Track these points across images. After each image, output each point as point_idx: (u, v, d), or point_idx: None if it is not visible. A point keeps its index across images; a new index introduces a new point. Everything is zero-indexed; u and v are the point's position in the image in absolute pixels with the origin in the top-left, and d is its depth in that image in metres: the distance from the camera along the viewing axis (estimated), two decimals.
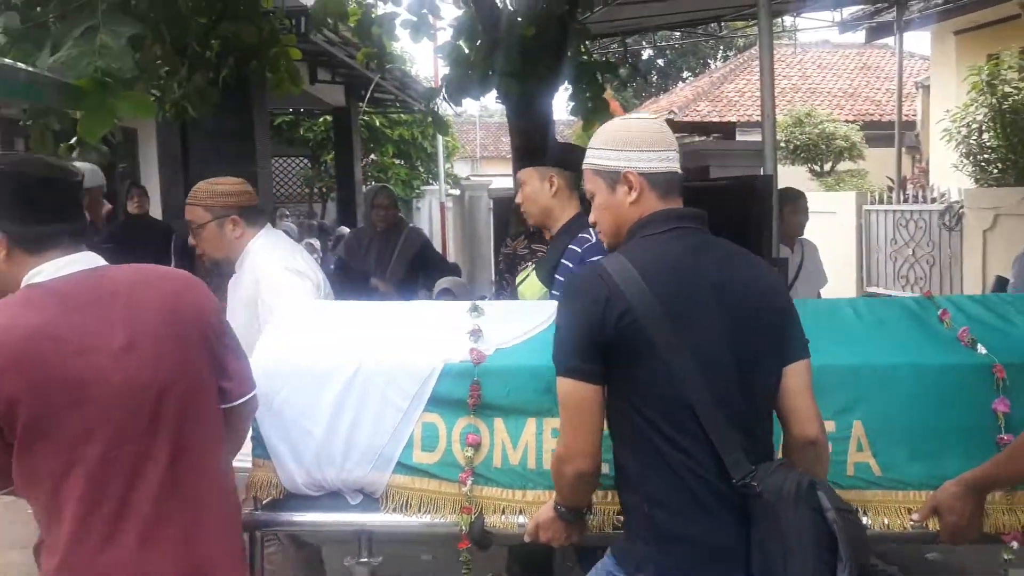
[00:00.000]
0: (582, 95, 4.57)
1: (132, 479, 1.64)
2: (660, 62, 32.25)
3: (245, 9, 4.83)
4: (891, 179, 11.36)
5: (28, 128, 4.25)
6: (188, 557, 1.69)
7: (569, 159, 2.76)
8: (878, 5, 10.54)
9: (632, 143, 1.77)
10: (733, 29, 13.24)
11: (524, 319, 2.24)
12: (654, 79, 31.94)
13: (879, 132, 15.30)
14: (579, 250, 2.67)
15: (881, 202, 9.91)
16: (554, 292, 2.69)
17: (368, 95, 8.77)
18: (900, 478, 2.07)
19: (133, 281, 1.73)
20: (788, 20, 12.62)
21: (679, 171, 1.79)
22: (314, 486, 2.18)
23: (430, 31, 5.18)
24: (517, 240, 3.28)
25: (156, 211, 7.73)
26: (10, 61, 3.15)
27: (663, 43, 18.76)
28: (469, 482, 2.08)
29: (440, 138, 15.31)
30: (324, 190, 16.49)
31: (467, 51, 4.61)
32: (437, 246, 15.21)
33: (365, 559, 2.18)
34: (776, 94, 4.14)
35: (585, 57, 4.89)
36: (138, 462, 1.64)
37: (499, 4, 4.43)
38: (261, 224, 2.76)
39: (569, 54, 4.49)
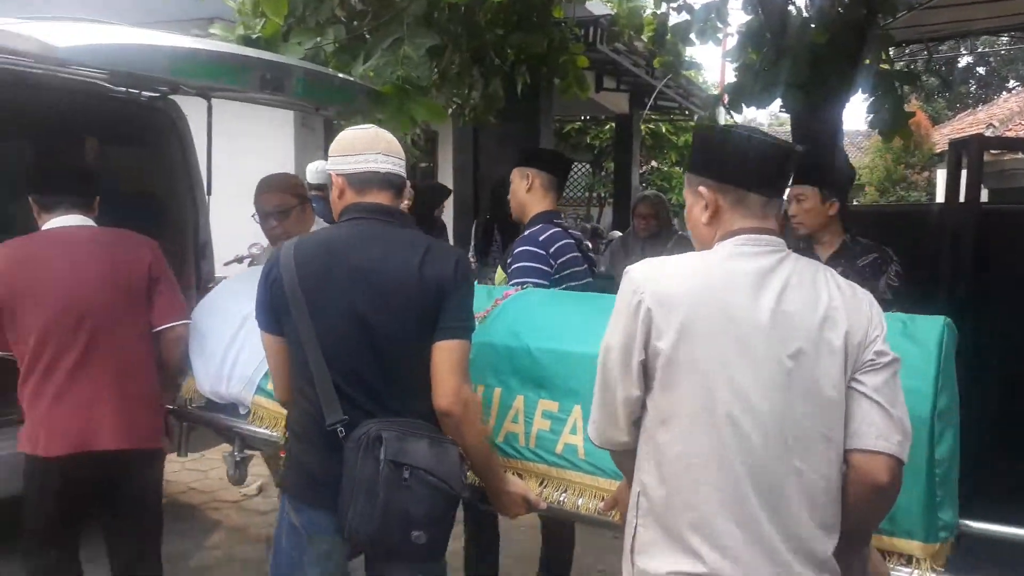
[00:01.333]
0: (880, 106, 4.26)
1: (55, 358, 2.67)
2: (980, 70, 28.94)
3: (538, 19, 5.07)
4: None
5: (340, 128, 4.81)
6: (85, 416, 2.69)
7: (551, 163, 3.18)
8: None
9: (339, 151, 2.17)
10: None
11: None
12: (972, 89, 28.72)
13: None
14: (529, 232, 3.01)
15: None
16: (510, 272, 2.98)
17: (650, 102, 8.82)
18: (598, 465, 2.16)
19: (95, 237, 2.81)
20: None
21: (380, 171, 2.13)
22: (216, 396, 3.00)
23: (716, 36, 5.13)
24: None
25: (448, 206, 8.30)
26: (327, 69, 3.54)
27: (985, 49, 16.82)
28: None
29: None
30: (603, 195, 16.85)
31: (754, 58, 4.48)
32: None
33: (236, 453, 3.00)
34: None
35: (886, 66, 4.55)
36: (61, 348, 2.67)
37: (791, 10, 4.26)
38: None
39: (868, 62, 4.21)
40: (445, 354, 2.01)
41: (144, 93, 4.05)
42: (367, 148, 2.14)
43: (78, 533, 2.91)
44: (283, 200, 3.20)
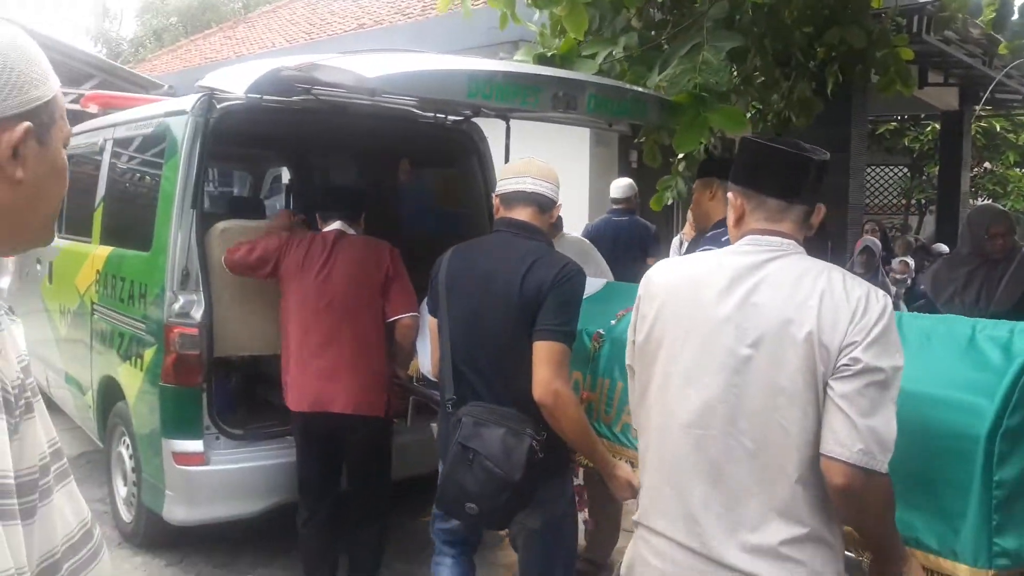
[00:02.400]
0: None
1: (306, 334, 3.37)
2: None
3: (853, 12, 4.62)
4: None
5: (641, 143, 4.72)
6: (324, 384, 3.32)
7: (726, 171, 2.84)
8: None
9: (500, 176, 2.67)
10: None
11: None
12: None
13: None
14: (710, 234, 3.01)
15: None
16: None
17: (986, 95, 7.71)
18: None
19: (350, 242, 3.50)
20: None
21: (523, 190, 2.53)
22: (431, 375, 3.14)
23: None
24: None
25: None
26: (617, 82, 3.46)
27: None
28: None
29: None
30: (924, 202, 15.17)
31: None
32: None
33: None
34: None
35: None
36: (310, 327, 3.36)
37: None
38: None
39: None
40: (538, 352, 2.33)
41: (450, 117, 4.27)
42: (519, 173, 2.57)
43: (329, 490, 3.48)
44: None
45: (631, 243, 5.76)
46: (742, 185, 1.78)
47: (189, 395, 3.51)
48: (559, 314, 2.33)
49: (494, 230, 2.59)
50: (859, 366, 1.54)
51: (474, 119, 4.31)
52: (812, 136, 6.43)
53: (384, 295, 3.47)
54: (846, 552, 1.81)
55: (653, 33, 3.84)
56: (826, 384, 1.57)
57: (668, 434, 1.73)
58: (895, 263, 8.03)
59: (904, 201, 15.75)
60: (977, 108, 8.72)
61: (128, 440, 4.02)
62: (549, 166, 2.61)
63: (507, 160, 4.08)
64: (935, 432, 1.77)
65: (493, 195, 2.61)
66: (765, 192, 1.74)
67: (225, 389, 3.93)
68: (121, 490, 4.17)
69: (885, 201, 16.16)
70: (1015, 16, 4.76)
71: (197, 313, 3.51)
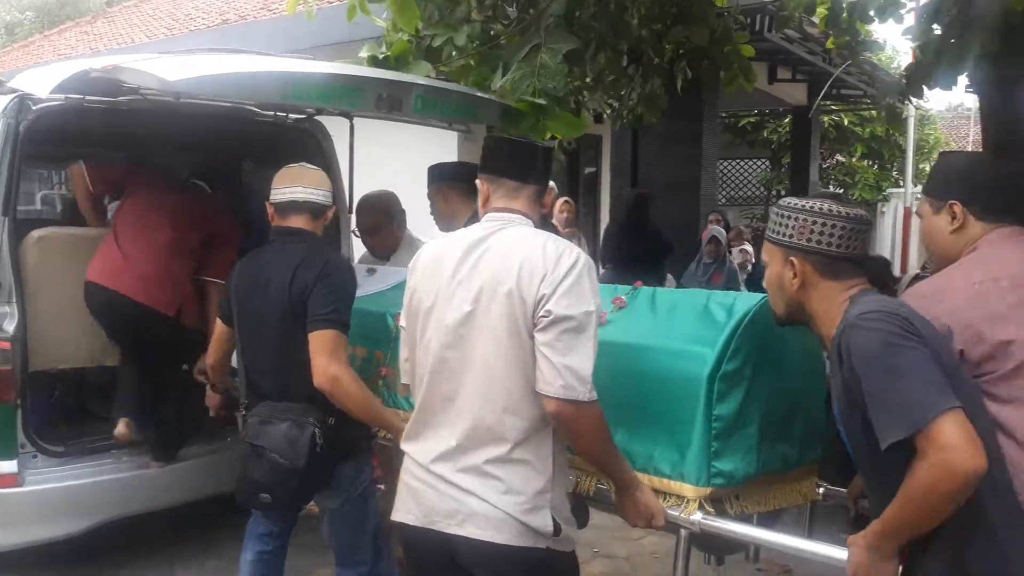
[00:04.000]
0: None
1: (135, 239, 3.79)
2: None
3: (697, 11, 4.76)
4: None
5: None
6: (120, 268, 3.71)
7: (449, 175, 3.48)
8: None
9: (274, 184, 2.78)
10: None
11: (381, 282, 3.15)
12: None
13: None
14: None
15: None
16: None
17: (824, 90, 8.14)
18: None
19: (201, 196, 4.15)
20: None
21: (296, 200, 2.72)
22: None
23: (898, 12, 4.58)
24: None
25: (604, 213, 8.13)
26: (449, 84, 3.47)
27: None
28: None
29: (910, 133, 13.69)
30: (783, 192, 15.91)
31: (937, 33, 3.96)
32: (895, 256, 13.67)
33: None
34: None
35: None
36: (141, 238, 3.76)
37: None
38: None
39: None
40: (312, 342, 2.52)
41: (291, 116, 4.17)
42: (292, 182, 2.74)
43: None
44: (373, 219, 3.65)
45: None
46: (487, 172, 2.11)
47: (0, 413, 3.31)
48: (326, 304, 2.54)
49: (270, 239, 2.77)
50: (551, 317, 1.85)
51: (317, 117, 4.21)
52: (666, 131, 6.67)
53: (206, 249, 3.83)
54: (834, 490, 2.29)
55: (493, 31, 3.83)
56: (532, 335, 1.88)
57: (423, 379, 2.02)
58: (734, 251, 8.37)
59: (767, 192, 16.49)
60: (817, 103, 9.19)
61: None
62: (320, 172, 2.85)
63: (351, 159, 4.02)
64: (671, 378, 2.11)
65: (267, 203, 2.76)
66: (503, 175, 2.08)
67: (46, 403, 3.77)
68: None
69: (749, 193, 16.81)
70: (844, 14, 4.98)
71: (10, 326, 3.32)
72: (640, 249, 6.41)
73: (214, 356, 2.98)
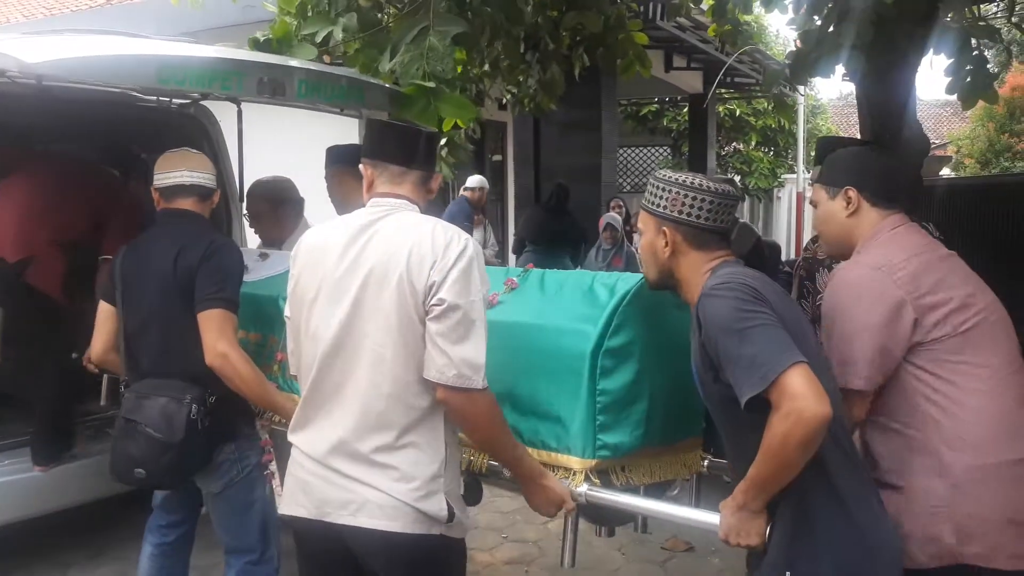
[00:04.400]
0: (960, 68, 3.81)
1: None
2: None
3: None
4: None
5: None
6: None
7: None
8: None
9: (156, 168, 2.75)
10: None
11: (273, 267, 3.06)
12: None
13: None
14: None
15: None
16: None
17: (718, 79, 8.39)
18: None
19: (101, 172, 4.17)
20: None
21: (183, 183, 2.71)
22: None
23: (782, 2, 4.72)
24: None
25: (511, 200, 8.19)
26: (334, 69, 3.41)
27: None
28: None
29: (801, 122, 14.26)
30: None
31: (818, 23, 4.10)
32: (790, 238, 14.25)
33: None
34: None
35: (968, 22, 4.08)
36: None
37: None
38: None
39: (950, 18, 3.77)
40: (201, 322, 2.52)
41: (175, 101, 4.03)
42: (176, 167, 2.72)
43: None
44: (259, 206, 3.58)
45: None
46: (370, 157, 2.07)
47: None
48: (212, 283, 2.54)
49: (155, 222, 2.75)
50: (444, 306, 1.84)
51: (203, 102, 4.08)
52: (567, 119, 6.72)
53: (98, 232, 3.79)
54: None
55: (380, 15, 3.77)
56: (423, 321, 1.87)
57: (310, 368, 1.99)
58: (636, 237, 8.53)
59: None
60: (712, 92, 9.46)
61: None
62: (203, 156, 2.85)
63: (240, 144, 3.91)
64: (558, 355, 2.16)
65: (152, 188, 2.74)
66: (387, 160, 2.04)
67: None
68: None
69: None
70: (729, 3, 5.10)
71: None
72: (560, 234, 7.18)
73: (98, 337, 2.90)
